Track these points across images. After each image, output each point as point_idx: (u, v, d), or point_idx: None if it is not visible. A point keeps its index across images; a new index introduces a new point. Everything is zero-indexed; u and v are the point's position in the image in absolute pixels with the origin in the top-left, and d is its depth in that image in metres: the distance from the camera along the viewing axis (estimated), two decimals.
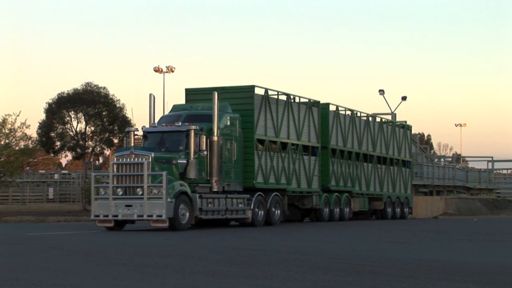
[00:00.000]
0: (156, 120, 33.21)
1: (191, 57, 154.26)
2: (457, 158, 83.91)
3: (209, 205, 30.79)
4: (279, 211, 35.04)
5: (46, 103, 74.20)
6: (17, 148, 51.84)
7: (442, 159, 73.65)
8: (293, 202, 38.09)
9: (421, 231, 31.94)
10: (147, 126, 32.62)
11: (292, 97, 37.28)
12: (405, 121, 54.44)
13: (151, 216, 28.84)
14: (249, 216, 33.00)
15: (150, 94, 33.71)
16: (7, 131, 52.37)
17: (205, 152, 30.87)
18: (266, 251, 20.02)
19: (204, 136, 30.95)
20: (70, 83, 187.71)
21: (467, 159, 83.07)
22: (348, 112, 43.12)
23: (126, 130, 32.58)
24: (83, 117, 73.54)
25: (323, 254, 18.94)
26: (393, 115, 50.59)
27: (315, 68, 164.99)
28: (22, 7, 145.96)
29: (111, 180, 29.67)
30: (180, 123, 31.12)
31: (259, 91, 34.88)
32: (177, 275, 14.23)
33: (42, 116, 74.15)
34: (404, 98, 51.92)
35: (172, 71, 68.17)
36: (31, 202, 74.13)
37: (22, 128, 51.72)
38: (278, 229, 32.08)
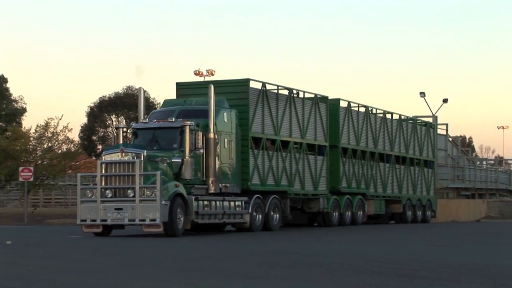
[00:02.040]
0: (141, 118, 30.28)
1: (230, 60, 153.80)
2: (500, 160, 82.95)
3: (206, 208, 27.65)
4: (277, 215, 31.33)
5: (88, 106, 74.49)
6: (59, 151, 51.81)
7: (484, 162, 72.93)
8: (297, 206, 34.02)
9: (462, 234, 30.83)
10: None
11: (295, 92, 33.48)
12: (446, 124, 53.73)
13: (144, 220, 25.82)
14: (247, 221, 29.59)
15: (140, 88, 30.78)
16: (49, 135, 52.34)
17: (201, 150, 27.57)
18: (304, 255, 19.42)
19: (200, 133, 27.62)
20: (111, 87, 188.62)
21: (509, 161, 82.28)
22: (362, 109, 38.79)
23: (114, 126, 29.93)
24: (124, 121, 74.48)
25: (362, 258, 18.39)
26: (434, 117, 50.07)
27: (354, 71, 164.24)
28: (60, 10, 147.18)
29: (99, 181, 26.40)
30: (173, 119, 28.02)
31: (256, 85, 31.32)
32: (218, 277, 13.93)
33: (84, 120, 74.50)
34: (445, 101, 51.38)
35: (212, 75, 67.95)
36: (73, 205, 74.41)
37: (65, 131, 51.52)
38: (309, 232, 30.98)
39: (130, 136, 29.29)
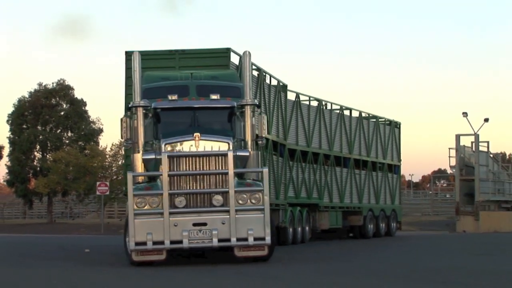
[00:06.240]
0: (138, 96, 17.83)
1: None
2: None
3: None
4: None
5: None
6: None
7: None
8: None
9: (504, 244, 28.37)
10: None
11: (264, 74, 24.76)
12: (488, 141, 52.43)
13: (245, 239, 16.57)
14: None
15: (135, 53, 18.16)
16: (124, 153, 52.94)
17: (264, 141, 18.60)
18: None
19: (265, 117, 18.72)
20: None
21: None
22: (314, 103, 29.47)
23: (129, 105, 18.00)
24: None
25: (408, 266, 17.33)
26: (476, 136, 49.32)
27: (396, 89, 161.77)
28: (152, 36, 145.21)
29: (166, 183, 16.57)
30: (218, 96, 17.91)
31: (235, 60, 22.46)
32: None
33: None
34: (486, 120, 50.68)
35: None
36: None
37: None
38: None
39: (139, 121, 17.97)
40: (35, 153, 57.65)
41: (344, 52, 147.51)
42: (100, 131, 58.41)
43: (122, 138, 18.06)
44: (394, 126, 36.48)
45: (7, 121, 57.49)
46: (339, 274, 15.33)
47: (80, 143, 56.50)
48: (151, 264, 16.70)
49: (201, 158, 16.88)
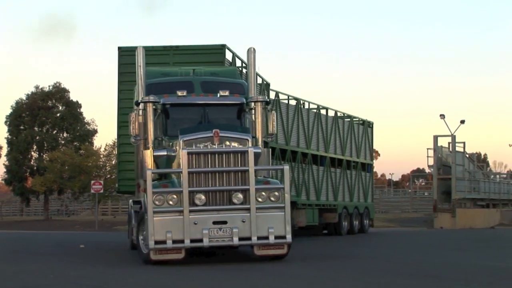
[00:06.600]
0: (141, 92, 17.27)
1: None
2: (511, 174, 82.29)
3: None
4: None
5: None
6: None
7: (498, 176, 72.21)
8: None
9: (479, 239, 28.96)
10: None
11: (255, 72, 22.91)
12: (464, 142, 53.02)
13: (266, 238, 15.83)
14: None
15: (139, 48, 17.53)
16: (117, 153, 53.19)
17: (274, 138, 18.47)
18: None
19: (275, 113, 17.96)
20: None
21: None
22: (293, 102, 28.87)
23: (139, 100, 17.08)
24: None
25: (390, 260, 17.53)
26: (453, 137, 49.85)
27: (377, 91, 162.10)
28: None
29: (185, 180, 15.66)
30: (227, 93, 17.26)
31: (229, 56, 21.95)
32: None
33: None
34: (462, 122, 51.33)
35: None
36: None
37: None
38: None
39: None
40: (32, 153, 58.08)
41: (324, 52, 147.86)
42: (95, 132, 58.94)
43: (131, 134, 17.07)
44: (367, 125, 36.09)
45: (5, 122, 57.93)
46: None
47: (75, 143, 56.94)
48: (167, 263, 15.77)
49: (219, 155, 15.90)
